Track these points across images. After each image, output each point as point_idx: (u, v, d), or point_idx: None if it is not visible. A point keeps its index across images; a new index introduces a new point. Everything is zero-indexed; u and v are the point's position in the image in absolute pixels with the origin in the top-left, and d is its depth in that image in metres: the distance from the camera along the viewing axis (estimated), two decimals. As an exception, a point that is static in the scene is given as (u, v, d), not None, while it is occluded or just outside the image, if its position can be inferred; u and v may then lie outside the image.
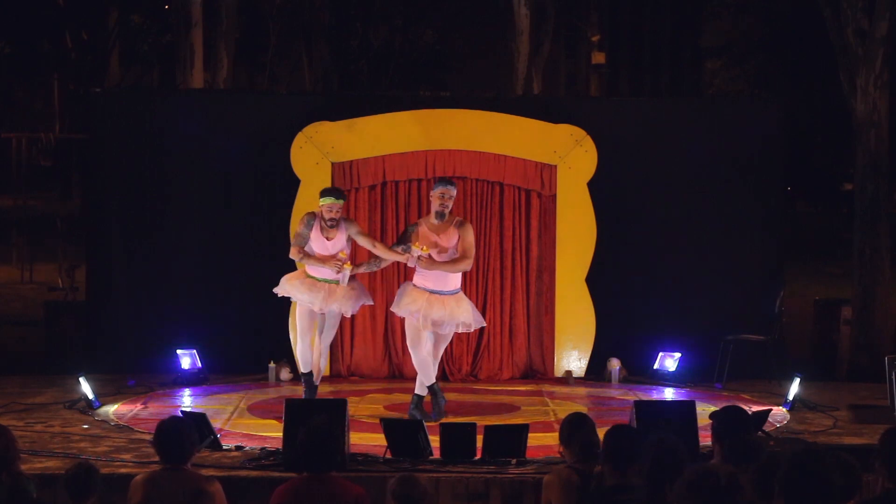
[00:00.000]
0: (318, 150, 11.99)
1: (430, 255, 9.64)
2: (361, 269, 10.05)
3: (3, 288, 20.03)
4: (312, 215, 9.83)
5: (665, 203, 12.24)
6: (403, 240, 9.82)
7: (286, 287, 9.93)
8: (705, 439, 7.46)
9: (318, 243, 9.78)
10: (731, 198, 12.27)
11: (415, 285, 9.80)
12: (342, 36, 30.33)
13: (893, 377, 10.08)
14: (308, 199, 11.91)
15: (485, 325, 9.93)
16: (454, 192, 9.90)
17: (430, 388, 9.84)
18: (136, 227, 12.21)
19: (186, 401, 10.90)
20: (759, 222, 12.30)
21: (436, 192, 9.82)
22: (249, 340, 12.11)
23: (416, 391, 9.87)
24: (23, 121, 32.01)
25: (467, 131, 12.08)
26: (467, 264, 9.80)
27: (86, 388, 10.19)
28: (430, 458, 8.21)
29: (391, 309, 10.21)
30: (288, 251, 11.28)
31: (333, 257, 9.72)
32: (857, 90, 12.46)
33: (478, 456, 8.19)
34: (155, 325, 12.02)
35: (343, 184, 12.03)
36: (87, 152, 13.13)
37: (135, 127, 12.26)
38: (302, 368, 10.08)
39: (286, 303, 11.90)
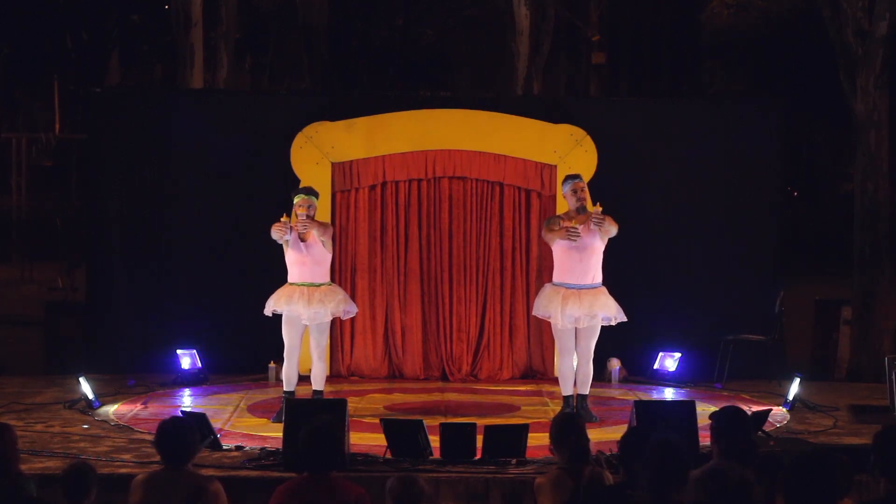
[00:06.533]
0: (318, 150, 11.99)
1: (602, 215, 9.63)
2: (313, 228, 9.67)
3: (3, 288, 20.03)
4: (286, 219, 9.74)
5: (665, 203, 12.25)
6: (553, 222, 9.80)
7: (270, 305, 9.80)
8: (705, 439, 7.46)
9: (294, 245, 9.69)
10: (730, 198, 12.28)
11: (552, 284, 9.78)
12: (342, 35, 30.30)
13: (893, 377, 10.09)
14: (308, 199, 11.92)
15: (624, 319, 9.87)
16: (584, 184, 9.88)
17: (566, 398, 9.87)
18: (136, 227, 12.21)
19: (186, 401, 10.91)
20: (758, 223, 12.30)
21: (568, 191, 9.80)
22: (249, 340, 12.11)
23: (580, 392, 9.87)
24: (23, 121, 31.97)
25: (467, 131, 12.08)
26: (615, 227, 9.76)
27: (86, 388, 10.20)
28: (430, 458, 8.21)
29: (533, 313, 10.18)
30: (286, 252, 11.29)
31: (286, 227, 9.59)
32: (857, 90, 12.45)
33: (478, 456, 8.19)
34: (155, 325, 12.03)
35: (343, 184, 12.06)
36: (87, 152, 13.14)
37: (135, 127, 12.26)
38: (284, 386, 9.79)
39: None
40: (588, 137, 12.01)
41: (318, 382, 9.87)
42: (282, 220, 9.67)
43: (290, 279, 9.78)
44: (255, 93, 23.21)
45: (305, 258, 9.67)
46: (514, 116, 12.17)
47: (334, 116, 12.11)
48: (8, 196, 23.66)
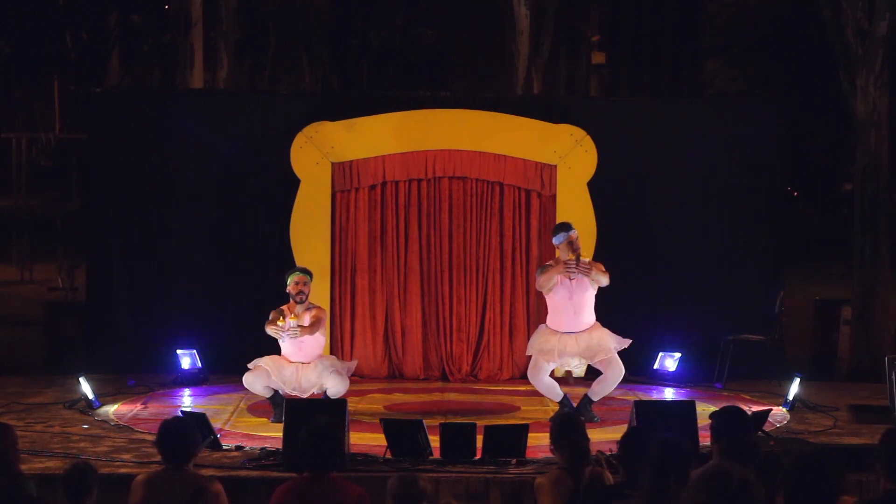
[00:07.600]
0: (318, 150, 11.99)
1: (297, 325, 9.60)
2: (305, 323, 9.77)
3: (3, 288, 20.04)
4: (279, 310, 9.79)
5: (665, 203, 12.25)
6: (546, 268, 9.85)
7: (259, 362, 9.79)
8: (705, 439, 7.46)
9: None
10: (730, 198, 12.28)
11: (548, 327, 9.86)
12: (342, 35, 30.35)
13: (893, 377, 10.08)
14: (308, 199, 11.94)
15: (627, 344, 9.84)
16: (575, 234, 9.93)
17: (561, 402, 9.87)
18: (136, 228, 12.21)
19: (186, 401, 10.90)
20: (759, 222, 12.31)
21: (563, 242, 9.82)
22: (249, 340, 12.07)
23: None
24: (23, 121, 32.01)
25: (467, 131, 12.08)
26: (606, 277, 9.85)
27: (86, 388, 10.20)
28: (430, 458, 8.21)
29: (527, 353, 10.18)
30: (287, 252, 11.30)
31: (281, 328, 9.63)
32: (857, 90, 12.45)
33: (478, 456, 8.19)
34: (155, 325, 12.03)
35: (343, 184, 12.06)
36: (87, 152, 13.14)
37: (135, 127, 12.26)
38: (263, 394, 9.94)
39: (286, 302, 11.92)
40: (588, 137, 12.01)
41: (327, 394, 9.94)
42: (278, 322, 9.67)
43: (283, 352, 9.83)
44: (255, 93, 23.19)
45: (301, 344, 9.75)
46: (514, 116, 12.16)
47: (334, 116, 12.11)
48: (8, 196, 23.65)
